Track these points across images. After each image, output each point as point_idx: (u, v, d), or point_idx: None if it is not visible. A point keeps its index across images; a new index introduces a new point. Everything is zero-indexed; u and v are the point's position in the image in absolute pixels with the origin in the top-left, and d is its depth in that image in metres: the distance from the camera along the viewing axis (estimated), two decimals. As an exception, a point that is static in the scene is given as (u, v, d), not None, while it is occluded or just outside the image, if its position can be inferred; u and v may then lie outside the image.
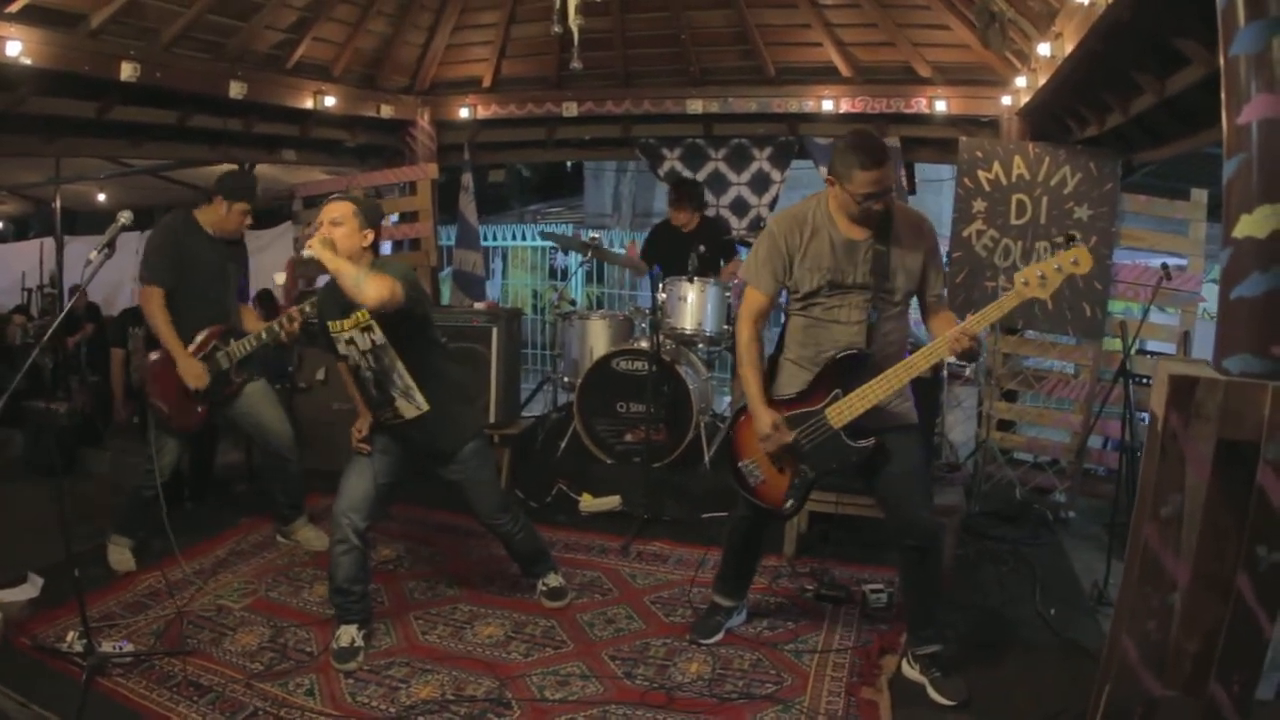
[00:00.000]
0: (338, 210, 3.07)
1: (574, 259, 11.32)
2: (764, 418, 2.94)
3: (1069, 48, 3.40)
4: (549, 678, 3.08)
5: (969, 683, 2.98)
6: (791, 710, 2.89)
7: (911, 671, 3.08)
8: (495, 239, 12.41)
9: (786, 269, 2.96)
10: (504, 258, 13.08)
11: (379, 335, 3.11)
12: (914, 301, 3.04)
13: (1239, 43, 1.91)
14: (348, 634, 3.21)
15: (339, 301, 3.11)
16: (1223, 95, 1.97)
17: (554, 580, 3.71)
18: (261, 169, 7.39)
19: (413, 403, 3.21)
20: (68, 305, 6.66)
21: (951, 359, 2.85)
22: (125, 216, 3.09)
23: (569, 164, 15.05)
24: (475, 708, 2.89)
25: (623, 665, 3.18)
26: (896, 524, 3.01)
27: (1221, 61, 1.97)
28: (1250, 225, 1.92)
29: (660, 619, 3.57)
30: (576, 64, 4.07)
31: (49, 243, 7.54)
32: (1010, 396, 5.42)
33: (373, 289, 2.88)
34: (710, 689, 3.01)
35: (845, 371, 2.88)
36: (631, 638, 3.41)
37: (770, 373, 3.11)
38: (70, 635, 3.11)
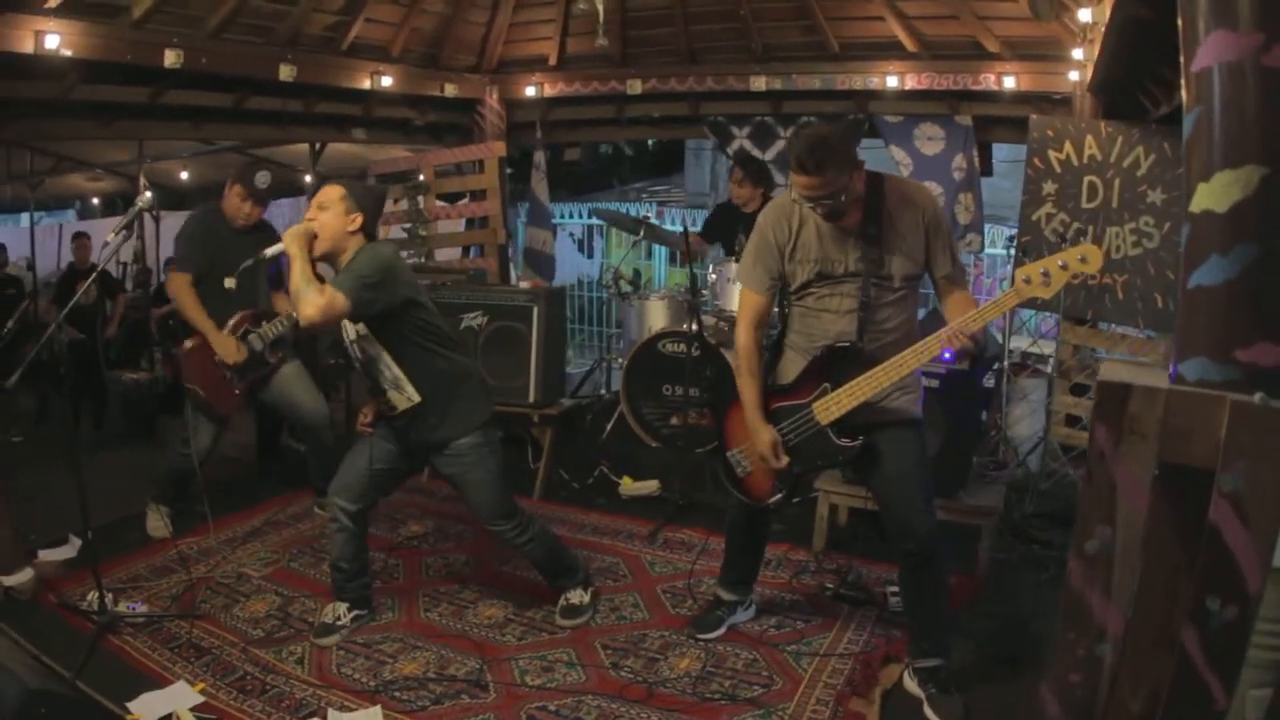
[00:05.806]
0: (326, 195, 3.01)
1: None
2: (763, 435, 2.79)
3: (1108, 13, 3.08)
4: (535, 662, 3.06)
5: (975, 699, 2.79)
6: (772, 716, 2.77)
7: (912, 684, 2.90)
8: (579, 218, 12.43)
9: (779, 264, 2.80)
10: (606, 235, 13.09)
11: (361, 326, 3.02)
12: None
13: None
14: (334, 610, 3.26)
15: None
16: (1180, 39, 1.61)
17: (576, 597, 3.43)
18: (335, 148, 7.60)
19: (403, 394, 3.08)
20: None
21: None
22: (143, 200, 3.22)
23: (650, 143, 14.81)
24: (452, 687, 2.89)
25: (613, 655, 3.12)
26: (891, 528, 2.86)
27: None
28: (1208, 197, 1.56)
29: (666, 610, 3.49)
30: (602, 41, 3.99)
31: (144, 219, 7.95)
32: (1080, 390, 5.07)
33: (307, 305, 2.74)
34: (694, 687, 2.92)
35: (834, 364, 2.72)
36: (631, 627, 3.34)
37: (775, 357, 2.96)
38: (92, 594, 3.26)
